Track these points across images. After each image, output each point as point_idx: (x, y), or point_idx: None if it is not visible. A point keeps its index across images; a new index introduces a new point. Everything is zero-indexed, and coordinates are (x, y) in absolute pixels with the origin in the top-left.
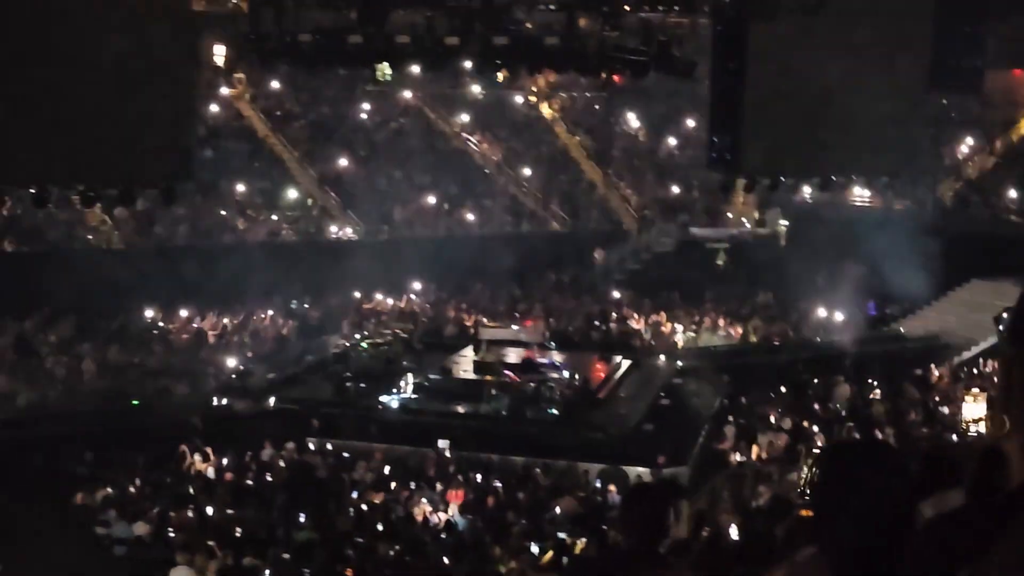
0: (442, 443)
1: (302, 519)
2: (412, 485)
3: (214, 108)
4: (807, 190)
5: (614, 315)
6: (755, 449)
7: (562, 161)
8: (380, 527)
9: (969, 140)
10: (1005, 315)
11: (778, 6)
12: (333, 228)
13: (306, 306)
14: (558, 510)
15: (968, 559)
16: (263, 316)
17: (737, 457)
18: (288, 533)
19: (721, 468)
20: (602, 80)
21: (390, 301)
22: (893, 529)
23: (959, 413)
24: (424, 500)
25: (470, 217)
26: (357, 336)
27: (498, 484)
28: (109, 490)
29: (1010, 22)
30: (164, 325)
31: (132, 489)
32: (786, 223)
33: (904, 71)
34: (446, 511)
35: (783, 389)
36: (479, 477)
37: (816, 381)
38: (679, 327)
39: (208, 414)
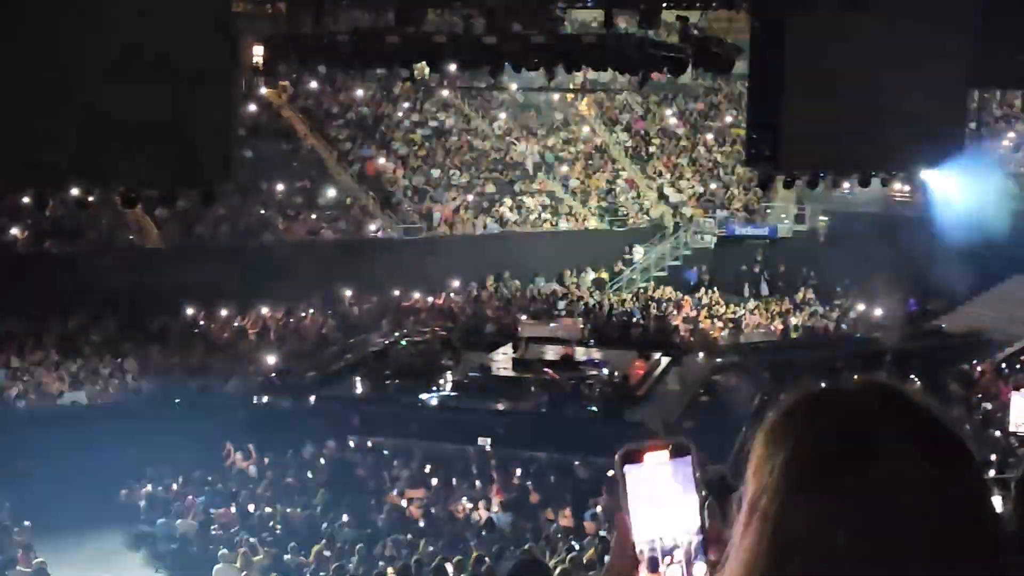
0: (482, 440)
1: (344, 517)
2: (452, 482)
3: (253, 108)
4: (847, 186)
5: (653, 312)
6: None
7: (600, 158)
8: (421, 524)
9: (1012, 135)
10: None
11: (818, 2)
12: (372, 227)
13: (346, 304)
14: (598, 509)
15: None
16: (303, 314)
17: None
18: (330, 531)
19: None
20: (640, 77)
21: (429, 299)
22: None
23: (1002, 411)
24: (464, 498)
25: (508, 215)
26: (396, 334)
27: (531, 482)
28: (154, 488)
29: None
30: (205, 324)
31: (175, 487)
32: (826, 219)
33: (947, 66)
34: (488, 508)
35: (823, 385)
36: (519, 473)
37: (856, 377)
38: (718, 323)
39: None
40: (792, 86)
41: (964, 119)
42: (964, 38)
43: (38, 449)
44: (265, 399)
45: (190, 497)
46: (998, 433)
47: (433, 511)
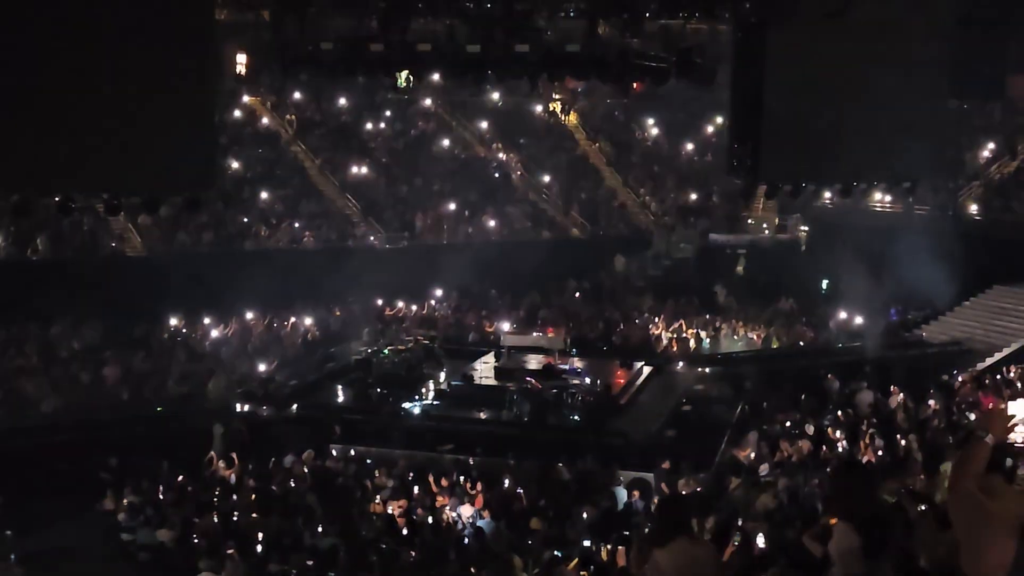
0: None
1: (325, 526)
2: (434, 491)
3: (236, 115)
4: (828, 196)
5: (635, 321)
6: (778, 455)
7: (582, 167)
8: (403, 533)
9: (991, 145)
10: None
11: (799, 12)
12: (355, 235)
13: (328, 313)
14: (585, 515)
15: None
16: (285, 323)
17: (759, 464)
18: (312, 539)
19: (743, 475)
20: (622, 87)
21: (412, 308)
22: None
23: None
24: (448, 506)
25: (491, 224)
26: (379, 343)
27: (519, 490)
28: (134, 496)
29: None
30: (187, 332)
31: (157, 496)
32: (806, 228)
33: (926, 77)
34: (470, 516)
35: (804, 395)
36: (502, 483)
37: (838, 387)
38: (700, 333)
39: (235, 420)
40: (774, 96)
41: (945, 130)
42: (944, 49)
43: (18, 456)
44: (247, 407)
45: (171, 506)
46: None
47: (416, 519)
